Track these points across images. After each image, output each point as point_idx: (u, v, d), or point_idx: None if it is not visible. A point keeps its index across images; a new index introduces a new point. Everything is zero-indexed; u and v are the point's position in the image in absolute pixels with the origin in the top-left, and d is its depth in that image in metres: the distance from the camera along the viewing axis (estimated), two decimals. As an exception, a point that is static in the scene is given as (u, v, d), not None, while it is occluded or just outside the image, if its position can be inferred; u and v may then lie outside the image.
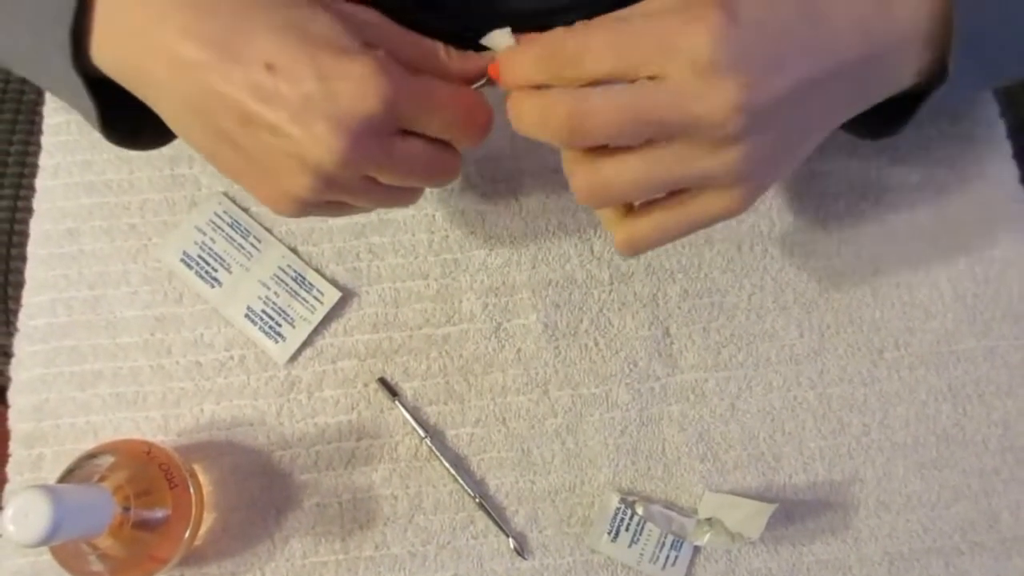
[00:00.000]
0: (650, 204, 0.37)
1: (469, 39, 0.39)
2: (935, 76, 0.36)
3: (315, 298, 0.48)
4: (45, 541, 0.33)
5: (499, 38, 0.37)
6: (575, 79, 0.32)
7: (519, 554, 0.45)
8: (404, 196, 0.39)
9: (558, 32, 0.33)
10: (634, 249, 0.38)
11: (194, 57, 0.33)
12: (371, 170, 0.35)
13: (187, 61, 0.33)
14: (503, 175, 0.51)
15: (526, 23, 0.38)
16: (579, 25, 0.33)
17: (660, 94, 0.31)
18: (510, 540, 0.45)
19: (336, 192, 0.35)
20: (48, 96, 0.52)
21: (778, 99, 0.32)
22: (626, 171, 0.33)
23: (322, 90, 0.32)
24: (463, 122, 0.37)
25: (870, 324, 0.50)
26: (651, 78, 0.31)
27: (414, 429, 0.46)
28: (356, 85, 0.32)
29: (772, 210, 0.51)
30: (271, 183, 0.35)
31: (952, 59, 0.35)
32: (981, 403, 0.48)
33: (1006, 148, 0.53)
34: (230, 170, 0.37)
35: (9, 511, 0.33)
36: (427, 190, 0.50)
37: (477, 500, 0.45)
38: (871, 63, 0.34)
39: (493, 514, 0.45)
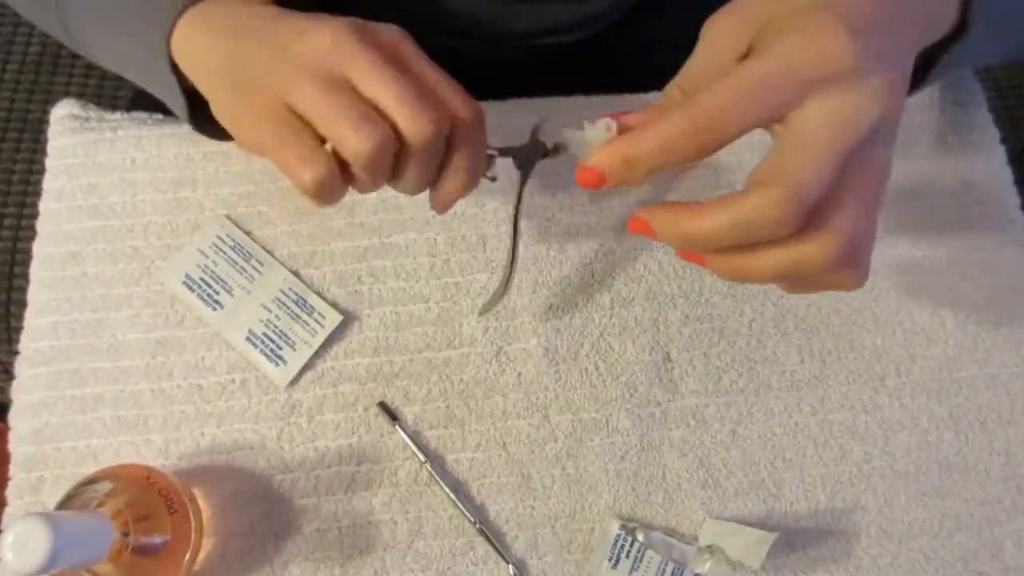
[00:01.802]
0: None
1: (483, 59, 0.39)
2: (950, 35, 0.39)
3: (316, 321, 0.48)
4: (44, 569, 0.33)
5: (596, 131, 0.34)
6: (715, 149, 0.31)
7: None
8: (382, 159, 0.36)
9: (674, 112, 0.31)
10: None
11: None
12: (360, 64, 0.35)
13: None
14: (504, 199, 0.51)
15: (535, 40, 0.38)
16: (699, 95, 0.31)
17: (841, 115, 0.30)
18: (510, 567, 0.45)
19: (309, 83, 0.35)
20: (53, 117, 0.52)
21: (900, 76, 0.33)
22: (862, 204, 0.32)
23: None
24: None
25: (871, 351, 0.49)
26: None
27: (414, 454, 0.46)
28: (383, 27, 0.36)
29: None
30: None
31: (971, 14, 0.37)
32: (983, 431, 0.48)
33: (1007, 175, 0.53)
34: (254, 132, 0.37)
35: (8, 539, 0.33)
36: (431, 214, 0.50)
37: (477, 526, 0.45)
38: (933, 18, 0.37)
39: (493, 540, 0.45)
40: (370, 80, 0.34)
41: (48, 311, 0.48)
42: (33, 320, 0.48)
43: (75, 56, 0.79)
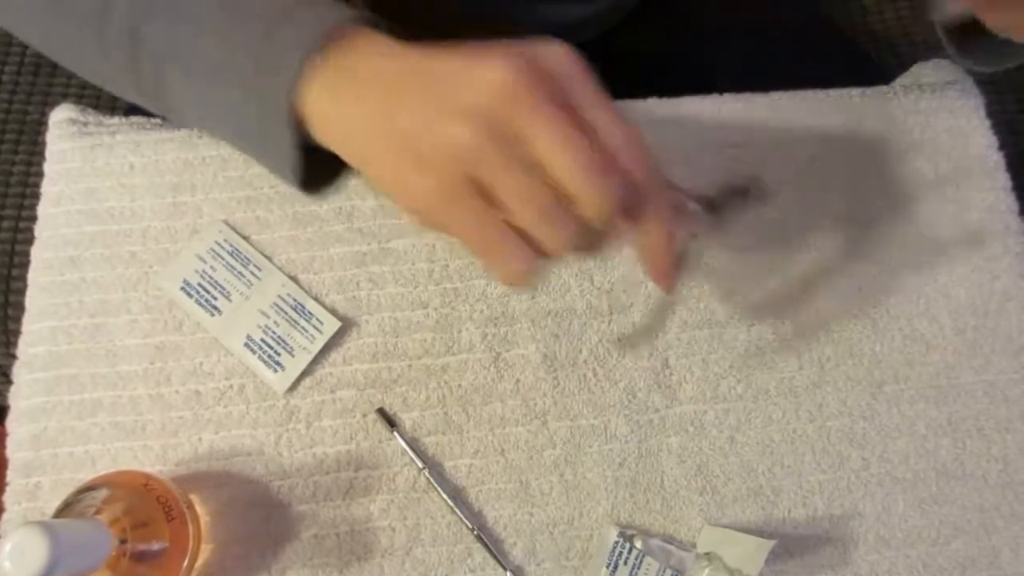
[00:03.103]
0: None
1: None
2: None
3: (314, 327, 0.48)
4: (41, 579, 0.33)
5: None
6: None
7: None
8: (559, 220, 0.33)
9: None
10: None
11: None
12: (531, 119, 0.32)
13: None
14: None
15: (564, 32, 0.36)
16: None
17: None
18: (508, 574, 0.45)
19: (492, 151, 0.32)
20: (52, 122, 0.52)
21: None
22: None
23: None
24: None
25: (870, 357, 0.49)
26: None
27: (412, 460, 0.46)
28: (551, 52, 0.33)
29: (771, 243, 0.51)
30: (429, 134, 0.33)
31: None
32: (981, 438, 0.48)
33: (1005, 181, 0.53)
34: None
35: (6, 548, 0.33)
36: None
37: (475, 532, 0.45)
38: None
39: (491, 547, 0.45)
40: (550, 146, 0.31)
41: (46, 316, 0.48)
42: (31, 325, 0.48)
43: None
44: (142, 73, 0.39)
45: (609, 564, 0.45)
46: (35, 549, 0.33)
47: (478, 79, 0.32)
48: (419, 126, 0.33)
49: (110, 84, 0.43)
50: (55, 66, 0.79)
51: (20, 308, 0.49)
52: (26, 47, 0.80)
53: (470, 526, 0.45)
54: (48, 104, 0.77)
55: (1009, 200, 0.53)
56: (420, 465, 0.46)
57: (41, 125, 0.63)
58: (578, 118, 0.32)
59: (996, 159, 0.54)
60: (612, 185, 0.32)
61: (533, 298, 0.50)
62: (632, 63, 0.70)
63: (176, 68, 0.38)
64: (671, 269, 0.37)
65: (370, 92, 0.34)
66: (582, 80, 0.33)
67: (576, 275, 0.50)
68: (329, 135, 0.36)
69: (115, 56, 0.40)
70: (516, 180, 0.32)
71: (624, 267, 0.51)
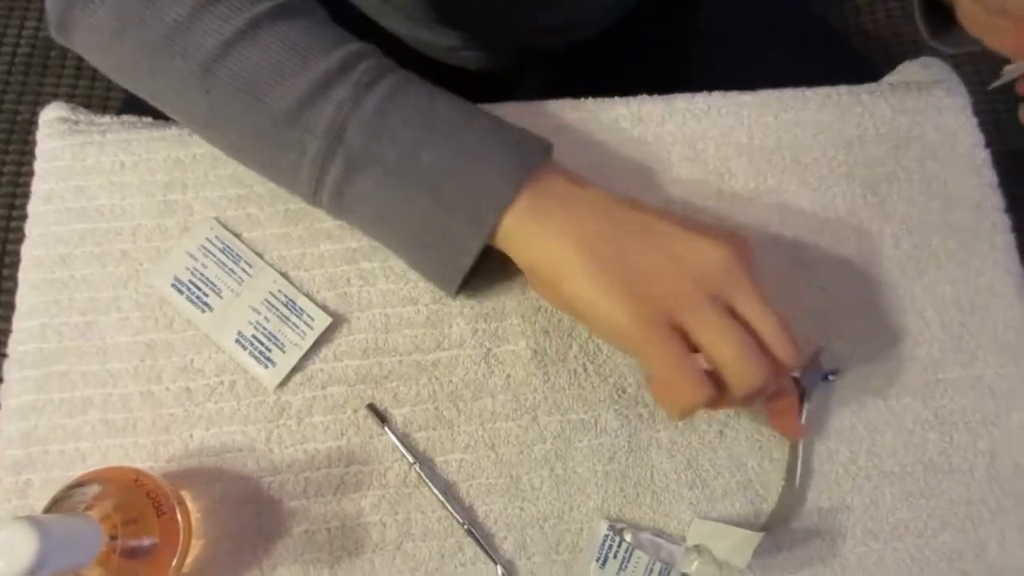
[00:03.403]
0: None
1: (495, 79, 0.40)
2: None
3: (305, 323, 0.48)
4: (31, 574, 0.33)
5: None
6: None
7: None
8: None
9: None
10: None
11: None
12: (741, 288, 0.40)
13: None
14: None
15: (534, 41, 0.39)
16: None
17: None
18: (498, 568, 0.45)
19: (707, 302, 0.39)
20: (42, 120, 0.52)
21: None
22: None
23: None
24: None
25: (858, 353, 0.50)
26: None
27: (403, 455, 0.47)
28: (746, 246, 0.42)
29: (760, 239, 0.52)
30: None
31: None
32: (968, 432, 0.49)
33: (991, 176, 0.53)
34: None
35: (-5, 543, 0.33)
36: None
37: (466, 527, 0.45)
38: None
39: (482, 541, 0.45)
40: (755, 312, 0.40)
41: (36, 314, 0.48)
42: (21, 323, 0.48)
43: (65, 57, 0.79)
44: (324, 167, 0.43)
45: (599, 557, 0.45)
46: (24, 544, 0.33)
47: (707, 250, 0.40)
48: (648, 268, 0.40)
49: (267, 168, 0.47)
50: (46, 65, 0.79)
51: (10, 307, 0.49)
52: (17, 47, 0.80)
53: (461, 520, 0.45)
54: (39, 104, 0.77)
55: (995, 197, 0.53)
56: (411, 460, 0.46)
57: (32, 125, 0.63)
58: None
59: (983, 156, 0.54)
60: (793, 351, 0.41)
61: (524, 294, 0.50)
62: (628, 61, 0.70)
63: (377, 170, 0.43)
64: (798, 423, 0.46)
65: (590, 223, 0.42)
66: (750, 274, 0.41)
67: (566, 271, 0.50)
68: (524, 248, 0.43)
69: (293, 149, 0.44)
70: (725, 324, 0.39)
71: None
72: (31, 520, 0.33)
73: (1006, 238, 0.52)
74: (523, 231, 0.42)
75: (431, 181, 0.42)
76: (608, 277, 0.40)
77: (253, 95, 0.42)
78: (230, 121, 0.44)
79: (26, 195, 0.51)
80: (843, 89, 0.55)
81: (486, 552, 0.45)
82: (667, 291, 0.40)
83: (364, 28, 0.64)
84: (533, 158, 0.43)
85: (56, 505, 0.39)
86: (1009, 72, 0.42)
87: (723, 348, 0.39)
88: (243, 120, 0.43)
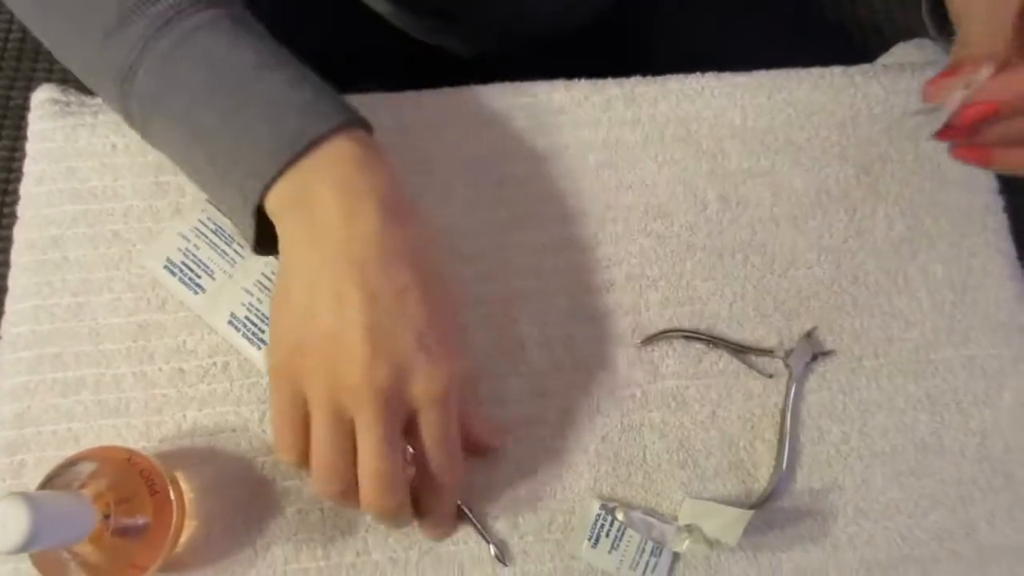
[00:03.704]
0: None
1: (486, 67, 0.39)
2: None
3: (298, 305, 0.48)
4: (23, 548, 0.33)
5: (983, 74, 0.38)
6: None
7: (500, 560, 0.45)
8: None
9: None
10: None
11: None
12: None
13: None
14: (487, 182, 0.51)
15: (524, 27, 0.38)
16: None
17: None
18: (491, 547, 0.45)
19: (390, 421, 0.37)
20: (34, 102, 0.52)
21: None
22: None
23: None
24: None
25: (850, 333, 0.50)
26: None
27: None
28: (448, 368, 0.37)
29: (753, 220, 0.52)
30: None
31: None
32: (959, 412, 0.49)
33: (985, 158, 0.53)
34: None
35: (-14, 518, 0.33)
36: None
37: (459, 505, 0.46)
38: None
39: (475, 520, 0.46)
40: (362, 444, 0.36)
41: (29, 295, 0.48)
42: (14, 305, 0.48)
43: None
44: (129, 105, 0.42)
45: (591, 536, 0.45)
46: (16, 520, 0.33)
47: (423, 366, 0.36)
48: (336, 333, 0.36)
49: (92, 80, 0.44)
50: (38, 51, 0.79)
51: (3, 291, 0.49)
52: (9, 32, 0.79)
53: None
54: (31, 89, 0.76)
55: (988, 178, 0.53)
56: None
57: (24, 111, 0.63)
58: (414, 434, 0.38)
59: (976, 137, 0.54)
60: (390, 499, 0.38)
61: (517, 275, 0.50)
62: (623, 46, 0.70)
63: (166, 119, 0.40)
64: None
65: (324, 233, 0.37)
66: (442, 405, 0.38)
67: (559, 252, 0.50)
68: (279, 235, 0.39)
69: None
70: (324, 439, 0.37)
71: (606, 245, 0.51)
72: (24, 496, 0.33)
73: (998, 219, 0.52)
74: (279, 218, 0.38)
75: (208, 142, 0.39)
76: (297, 306, 0.37)
77: (76, 13, 0.40)
78: (54, 34, 0.42)
79: (18, 180, 0.51)
80: (837, 70, 0.55)
81: (479, 531, 0.45)
82: (333, 374, 0.36)
83: (361, 18, 0.64)
84: (314, 129, 0.37)
85: (50, 483, 0.39)
86: (926, 108, 0.41)
87: (319, 450, 0.37)
88: (63, 33, 0.42)
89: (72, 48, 0.42)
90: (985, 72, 0.38)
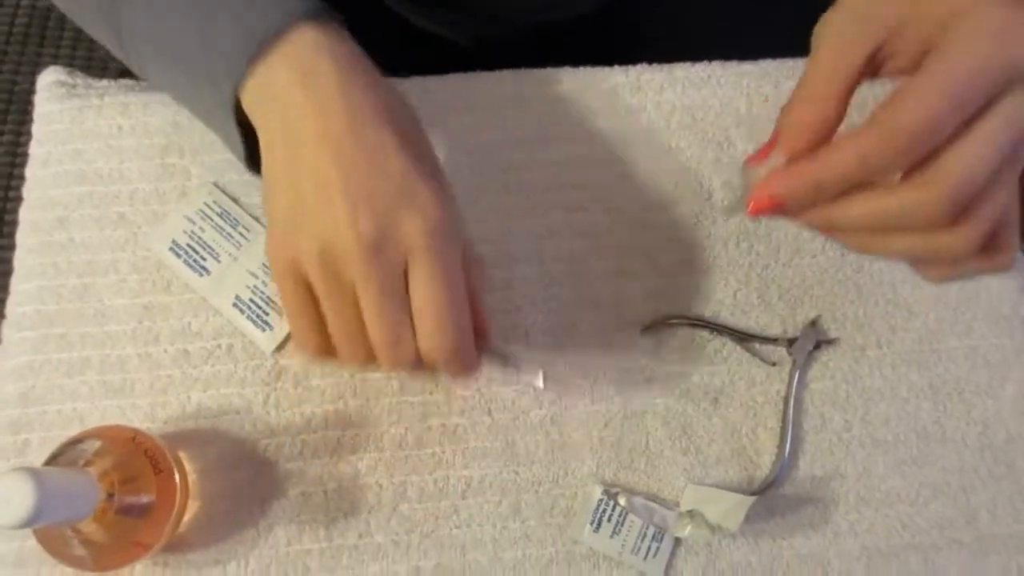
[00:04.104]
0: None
1: (478, 39, 0.38)
2: None
3: (303, 289, 0.48)
4: (27, 524, 0.33)
5: (772, 161, 0.33)
6: (913, 163, 0.30)
7: (543, 383, 0.44)
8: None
9: (865, 135, 0.30)
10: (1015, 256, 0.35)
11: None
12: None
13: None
14: (493, 169, 0.51)
15: (530, 17, 0.37)
16: (882, 112, 0.30)
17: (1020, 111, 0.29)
18: (540, 372, 0.44)
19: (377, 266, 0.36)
20: (40, 84, 0.52)
21: None
22: (1002, 200, 0.31)
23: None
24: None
25: (853, 322, 0.50)
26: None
27: None
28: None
29: (758, 207, 0.52)
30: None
31: None
32: (961, 401, 0.49)
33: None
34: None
35: (-8, 493, 0.33)
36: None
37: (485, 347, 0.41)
38: None
39: (502, 353, 0.42)
40: (362, 301, 0.36)
41: (34, 276, 0.48)
42: (19, 285, 0.48)
43: (63, 28, 0.78)
44: (124, 42, 0.41)
45: (593, 521, 0.46)
46: (21, 495, 0.33)
47: (416, 204, 0.36)
48: (319, 207, 0.35)
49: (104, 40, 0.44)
50: (44, 35, 0.79)
51: (9, 275, 0.49)
52: (14, 17, 0.79)
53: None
54: (37, 73, 0.76)
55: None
56: None
57: (30, 95, 0.63)
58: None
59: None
60: (397, 354, 0.36)
61: (521, 262, 0.50)
62: (627, 33, 0.70)
63: (148, 48, 0.41)
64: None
65: (296, 126, 0.36)
66: (430, 246, 0.36)
67: (566, 240, 0.50)
68: (259, 136, 0.38)
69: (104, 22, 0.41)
70: (330, 308, 0.36)
71: (612, 231, 0.51)
72: (29, 471, 0.33)
73: (1003, 210, 0.52)
74: (253, 115, 0.38)
75: (178, 42, 0.39)
76: (283, 200, 0.37)
77: None
78: None
79: (24, 164, 0.51)
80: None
81: (506, 363, 0.43)
82: (324, 245, 0.35)
83: (366, 8, 0.63)
84: (276, 23, 0.37)
85: (55, 461, 0.40)
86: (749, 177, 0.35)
87: (334, 324, 0.37)
88: None
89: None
90: (774, 160, 0.33)
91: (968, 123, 0.29)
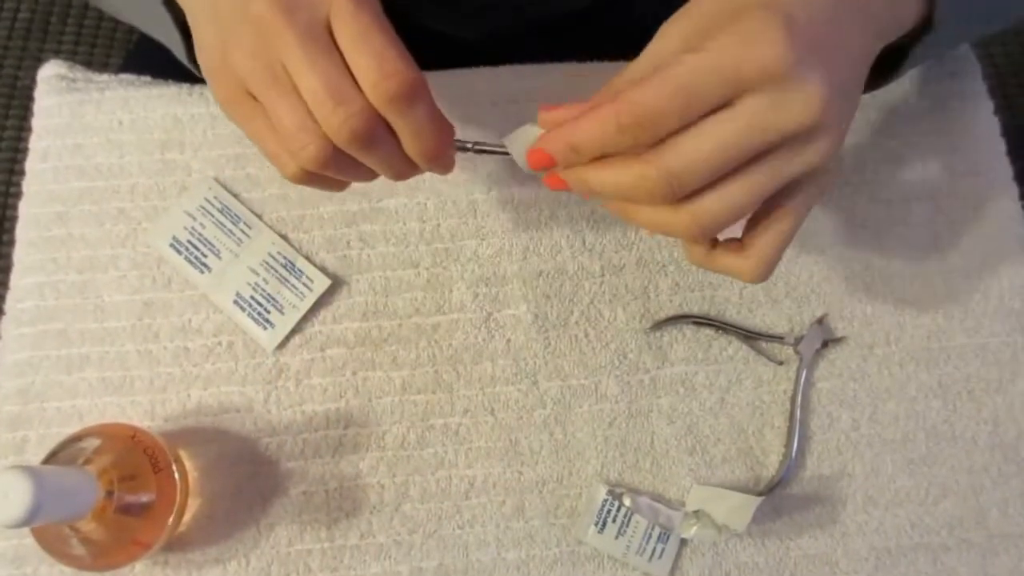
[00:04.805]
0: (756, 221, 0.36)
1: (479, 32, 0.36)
2: (919, 28, 0.38)
3: (304, 285, 0.48)
4: (25, 522, 0.33)
5: (527, 133, 0.36)
6: (649, 141, 0.32)
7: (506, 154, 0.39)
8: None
9: (607, 106, 0.31)
10: (769, 267, 0.37)
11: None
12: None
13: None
14: (495, 165, 0.51)
15: (531, 10, 0.36)
16: (629, 88, 0.31)
17: (754, 118, 0.31)
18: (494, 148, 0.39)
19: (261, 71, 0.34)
20: (40, 78, 0.52)
21: (847, 74, 0.33)
22: (729, 198, 0.33)
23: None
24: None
25: (861, 319, 0.49)
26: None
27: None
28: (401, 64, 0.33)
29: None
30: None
31: (937, 9, 0.37)
32: (971, 400, 0.48)
33: (1000, 146, 0.53)
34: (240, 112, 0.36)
35: (-11, 491, 0.33)
36: (421, 178, 0.50)
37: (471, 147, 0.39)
38: (893, 19, 0.37)
39: (471, 144, 0.39)
40: (293, 71, 0.33)
41: (34, 271, 0.48)
42: (19, 280, 0.48)
43: (65, 23, 0.78)
44: None
45: (597, 522, 0.45)
46: (19, 492, 0.33)
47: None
48: (237, 14, 0.34)
49: None
50: (46, 30, 0.79)
51: (8, 270, 0.48)
52: (16, 11, 0.79)
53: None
54: (39, 68, 0.76)
55: (1005, 165, 0.53)
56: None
57: (32, 91, 0.63)
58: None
59: (993, 124, 0.53)
60: (340, 111, 0.33)
61: (525, 259, 0.49)
62: (629, 27, 0.69)
63: None
64: (439, 150, 0.37)
65: None
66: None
67: (567, 236, 0.50)
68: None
69: None
70: (275, 103, 0.34)
71: (616, 229, 0.50)
72: (27, 469, 0.33)
73: (1013, 207, 0.52)
74: None
75: None
76: (209, 33, 0.35)
77: None
78: None
79: (26, 156, 0.51)
80: (851, 55, 0.54)
81: (478, 150, 0.39)
82: (232, 67, 0.34)
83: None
84: None
85: (54, 458, 0.39)
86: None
87: (281, 120, 0.34)
88: None
89: None
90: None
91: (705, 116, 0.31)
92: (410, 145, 0.36)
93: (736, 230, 0.36)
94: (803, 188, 0.35)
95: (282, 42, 0.33)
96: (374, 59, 0.33)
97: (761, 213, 0.36)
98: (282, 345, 0.47)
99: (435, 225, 0.50)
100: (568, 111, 0.35)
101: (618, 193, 0.34)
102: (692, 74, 0.30)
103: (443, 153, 0.37)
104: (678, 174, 0.31)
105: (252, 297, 0.48)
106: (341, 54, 0.33)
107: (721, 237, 0.37)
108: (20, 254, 0.48)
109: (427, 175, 0.42)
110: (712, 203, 0.33)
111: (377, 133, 0.34)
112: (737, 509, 0.43)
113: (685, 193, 0.32)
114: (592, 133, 0.32)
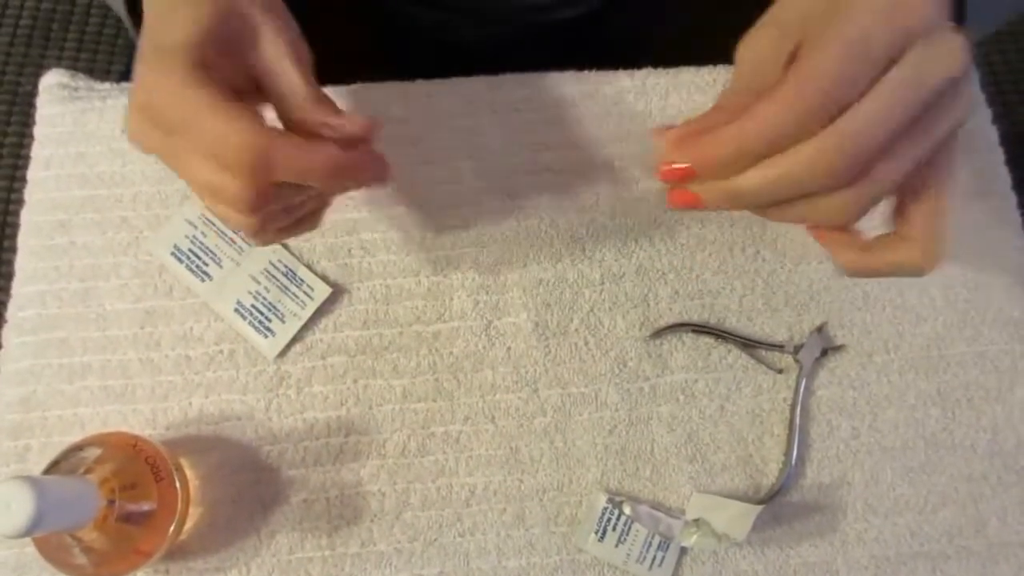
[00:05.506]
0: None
1: (479, 37, 0.36)
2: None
3: (305, 294, 0.48)
4: (27, 533, 0.33)
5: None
6: (829, 117, 0.30)
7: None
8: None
9: (781, 93, 0.30)
10: (940, 246, 0.34)
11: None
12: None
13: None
14: (496, 173, 0.51)
15: (531, 17, 0.36)
16: (791, 73, 0.30)
17: (918, 70, 0.29)
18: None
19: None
20: (42, 86, 0.52)
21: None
22: (895, 166, 0.31)
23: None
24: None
25: (860, 328, 0.50)
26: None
27: None
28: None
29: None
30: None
31: None
32: (970, 408, 0.48)
33: (998, 154, 0.53)
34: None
35: (-9, 501, 0.33)
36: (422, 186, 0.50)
37: None
38: None
39: None
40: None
41: (36, 279, 0.48)
42: (21, 288, 0.48)
43: (67, 30, 0.78)
44: None
45: (598, 530, 0.45)
46: (20, 503, 0.33)
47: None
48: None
49: None
50: (48, 37, 0.79)
51: (10, 278, 0.49)
52: (19, 19, 0.79)
53: None
54: (41, 76, 0.76)
55: (1003, 174, 0.53)
56: None
57: (33, 97, 0.63)
58: None
59: (991, 133, 0.53)
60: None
61: (525, 267, 0.50)
62: (624, 39, 0.69)
63: None
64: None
65: None
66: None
67: (568, 244, 0.50)
68: None
69: None
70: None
71: (616, 237, 0.50)
72: (29, 479, 0.33)
73: (1012, 215, 0.52)
74: None
75: None
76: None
77: None
78: None
79: (27, 168, 0.51)
80: (850, 64, 0.55)
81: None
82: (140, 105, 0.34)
83: (369, 11, 0.63)
84: None
85: (56, 467, 0.39)
86: None
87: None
88: None
89: None
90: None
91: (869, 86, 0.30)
92: (312, 182, 0.35)
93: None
94: (946, 153, 0.33)
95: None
96: (217, 139, 0.33)
97: (907, 194, 0.33)
98: (283, 353, 0.47)
99: (435, 233, 0.50)
100: (700, 123, 0.33)
101: (786, 186, 0.31)
102: (863, 30, 0.29)
103: (342, 179, 0.36)
104: (855, 136, 0.29)
105: (253, 305, 0.48)
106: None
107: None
108: (22, 262, 0.48)
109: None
110: (880, 172, 0.30)
111: (269, 192, 0.34)
112: (737, 518, 0.43)
113: (865, 161, 0.30)
114: (767, 124, 0.30)
